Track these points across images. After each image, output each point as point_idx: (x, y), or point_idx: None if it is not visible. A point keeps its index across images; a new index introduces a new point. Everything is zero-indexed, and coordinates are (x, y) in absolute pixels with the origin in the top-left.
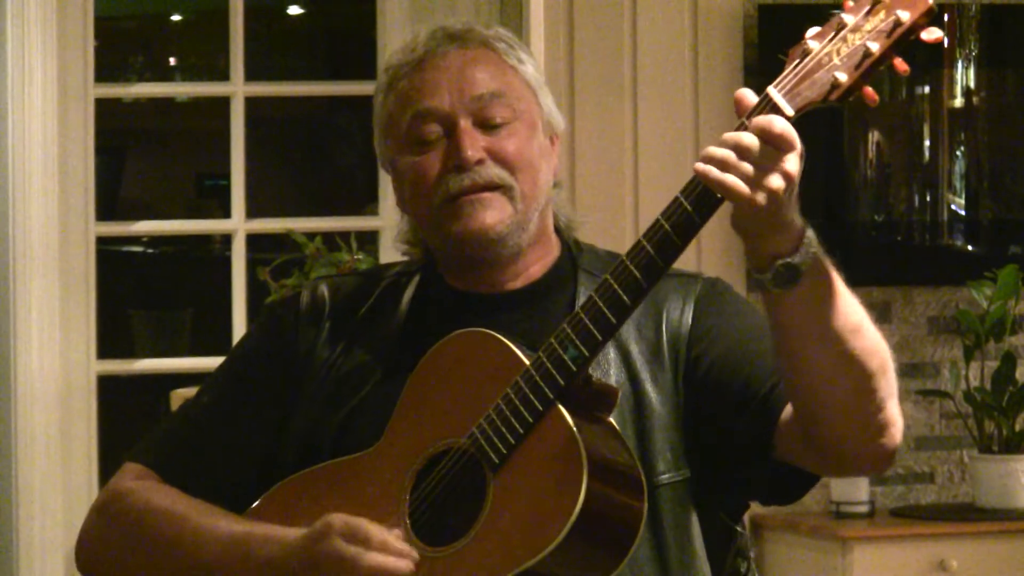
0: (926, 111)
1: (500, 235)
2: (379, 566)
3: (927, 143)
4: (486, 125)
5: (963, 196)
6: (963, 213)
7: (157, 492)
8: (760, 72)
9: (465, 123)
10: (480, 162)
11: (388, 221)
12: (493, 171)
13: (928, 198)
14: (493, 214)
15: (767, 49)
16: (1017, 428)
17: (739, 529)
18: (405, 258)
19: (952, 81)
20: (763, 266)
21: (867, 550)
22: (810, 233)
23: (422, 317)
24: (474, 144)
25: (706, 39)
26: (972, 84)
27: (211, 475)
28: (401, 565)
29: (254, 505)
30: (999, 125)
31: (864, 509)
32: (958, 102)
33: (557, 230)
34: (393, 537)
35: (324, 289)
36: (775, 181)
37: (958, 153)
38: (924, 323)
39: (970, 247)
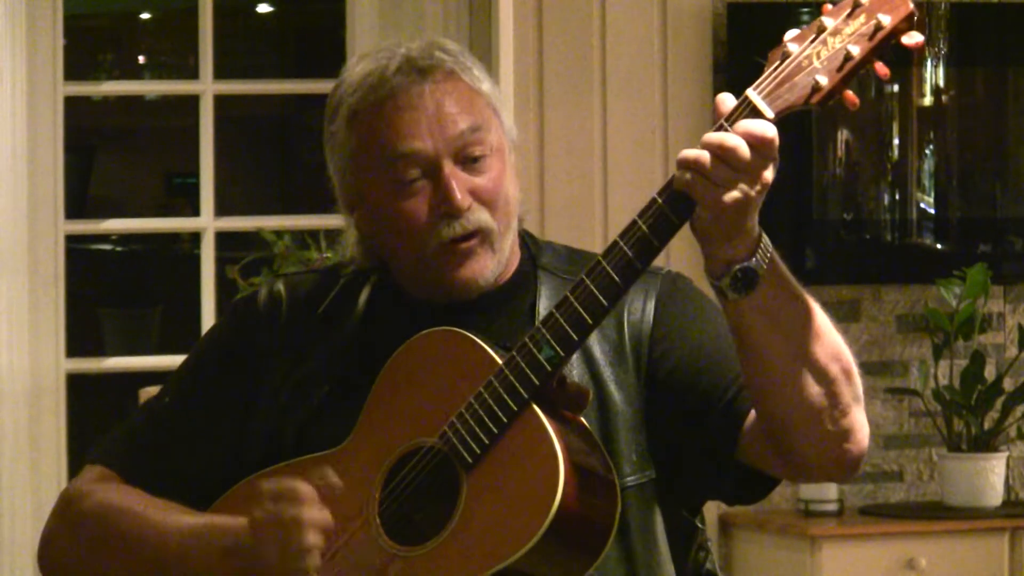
0: (895, 109)
1: (487, 282)
2: (319, 520)
3: (896, 141)
4: (466, 160)
5: (932, 194)
6: (932, 211)
7: (116, 491)
8: (729, 69)
9: (449, 166)
10: (468, 207)
11: None
12: (478, 215)
13: (897, 196)
14: (479, 266)
15: (736, 47)
16: (986, 427)
17: (699, 525)
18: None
19: (921, 80)
20: (720, 272)
21: (836, 549)
22: (765, 237)
23: (378, 320)
24: (462, 188)
25: (675, 37)
26: (941, 83)
27: (173, 476)
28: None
29: (217, 502)
30: (968, 123)
31: (833, 508)
32: (927, 100)
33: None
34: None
35: (281, 287)
36: (753, 188)
37: (927, 152)
38: (893, 321)
39: (939, 245)
